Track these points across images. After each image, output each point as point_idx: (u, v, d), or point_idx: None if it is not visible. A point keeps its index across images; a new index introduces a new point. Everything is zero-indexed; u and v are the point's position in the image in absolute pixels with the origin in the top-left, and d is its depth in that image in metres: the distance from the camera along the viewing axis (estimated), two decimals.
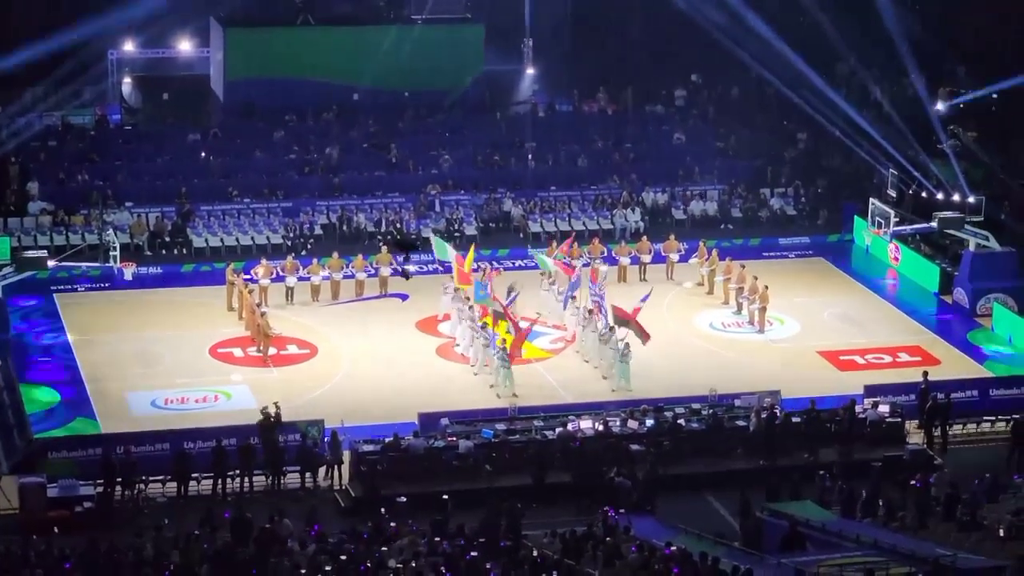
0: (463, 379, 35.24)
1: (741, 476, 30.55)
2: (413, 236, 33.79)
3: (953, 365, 36.25)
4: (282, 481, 30.70)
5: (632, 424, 31.68)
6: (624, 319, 35.09)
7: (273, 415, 30.83)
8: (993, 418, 32.81)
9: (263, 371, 35.54)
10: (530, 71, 51.16)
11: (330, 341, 37.34)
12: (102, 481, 29.39)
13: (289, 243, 43.58)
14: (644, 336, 34.98)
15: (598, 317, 36.31)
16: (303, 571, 23.42)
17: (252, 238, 43.56)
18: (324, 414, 31.77)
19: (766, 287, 38.50)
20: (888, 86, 49.92)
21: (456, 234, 44.29)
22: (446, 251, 38.67)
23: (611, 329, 35.72)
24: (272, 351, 36.28)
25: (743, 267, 39.99)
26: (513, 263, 42.87)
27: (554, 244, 41.46)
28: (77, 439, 30.89)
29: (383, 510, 27.81)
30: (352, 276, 40.18)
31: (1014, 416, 32.09)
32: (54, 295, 39.30)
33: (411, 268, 33.10)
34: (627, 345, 34.75)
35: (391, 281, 40.44)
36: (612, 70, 52.09)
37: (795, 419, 32.02)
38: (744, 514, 27.65)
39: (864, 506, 27.97)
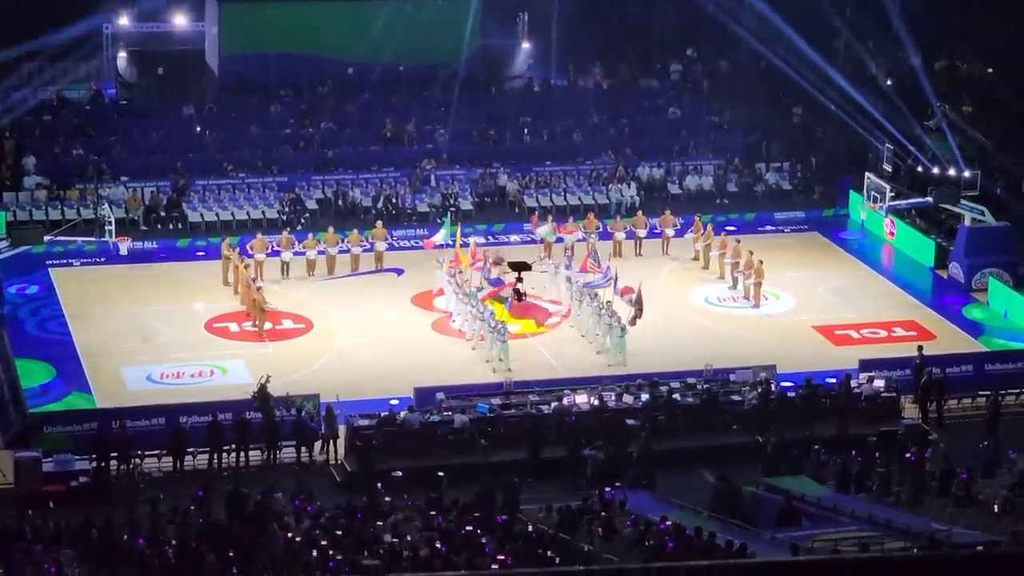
0: (459, 353, 35.12)
1: (737, 451, 30.49)
2: (528, 261, 34.45)
3: (948, 340, 36.13)
4: (277, 456, 30.52)
5: (627, 399, 31.55)
6: (639, 299, 35.26)
7: (260, 385, 30.66)
8: (988, 393, 32.35)
9: (258, 346, 35.37)
10: (525, 45, 50.80)
11: (325, 316, 37.24)
12: (97, 456, 29.08)
13: (284, 218, 43.36)
14: (636, 315, 35.10)
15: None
16: (297, 539, 23.23)
17: (247, 213, 43.07)
18: (319, 388, 31.55)
19: (761, 262, 38.36)
20: (884, 60, 49.60)
21: (451, 208, 44.10)
22: (449, 237, 38.91)
23: (608, 303, 35.62)
24: (267, 326, 36.14)
25: (738, 242, 39.94)
26: (508, 238, 42.75)
27: (536, 217, 41.66)
28: (72, 414, 30.73)
29: (379, 485, 27.59)
30: (347, 251, 40.00)
31: (999, 393, 32.04)
32: (49, 269, 39.09)
33: (522, 288, 33.30)
34: (620, 319, 34.72)
35: (386, 256, 40.34)
36: (607, 44, 51.76)
37: (790, 394, 31.79)
38: (721, 482, 27.49)
39: (859, 481, 27.71)
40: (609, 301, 35.58)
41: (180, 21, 49.56)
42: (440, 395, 31.52)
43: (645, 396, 31.51)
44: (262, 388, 30.82)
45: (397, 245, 41.46)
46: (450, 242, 38.97)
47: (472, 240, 39.26)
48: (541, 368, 34.23)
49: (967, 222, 40.19)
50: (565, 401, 31.27)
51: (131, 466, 29.47)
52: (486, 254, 37.71)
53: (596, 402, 31.32)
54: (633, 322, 35.27)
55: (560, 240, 40.40)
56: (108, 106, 46.99)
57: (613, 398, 31.49)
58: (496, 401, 31.37)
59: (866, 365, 33.10)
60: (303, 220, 43.47)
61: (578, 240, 39.72)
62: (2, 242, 36.49)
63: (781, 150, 48.59)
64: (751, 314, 38.00)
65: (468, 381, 32.82)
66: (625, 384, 31.98)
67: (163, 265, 40.22)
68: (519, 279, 33.17)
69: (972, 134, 44.95)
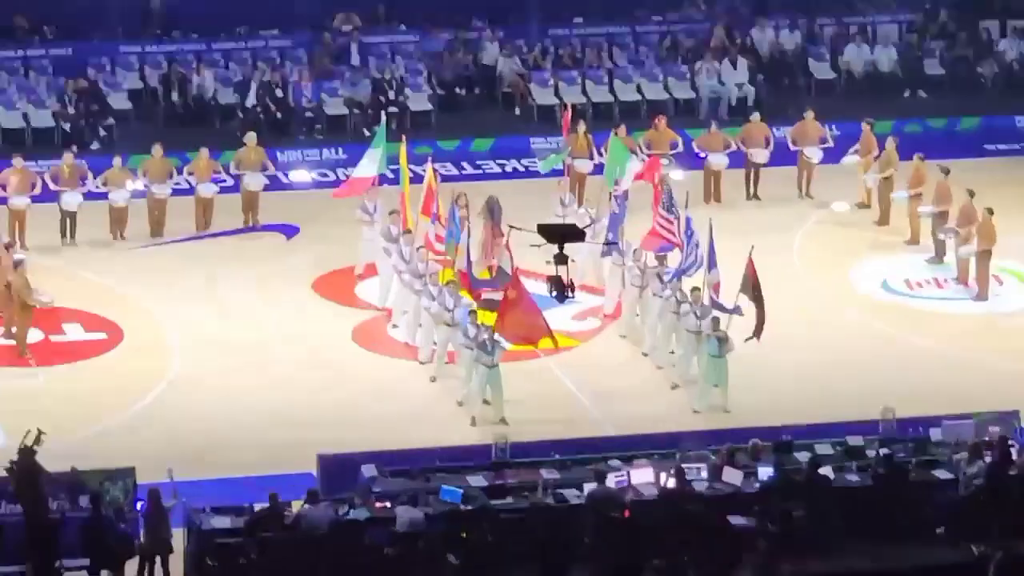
0: (406, 388, 35.62)
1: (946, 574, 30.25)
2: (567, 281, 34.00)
3: None
4: None
5: (731, 477, 31.41)
6: (754, 285, 35.34)
7: (22, 450, 30.56)
8: None
9: (21, 374, 35.79)
10: None
11: (146, 316, 37.87)
12: None
13: (67, 127, 43.85)
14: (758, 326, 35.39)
15: (663, 267, 36.69)
16: None
17: None
18: (135, 458, 31.28)
19: (990, 213, 38.79)
20: None
21: (389, 111, 44.26)
22: (385, 166, 39.31)
23: (694, 293, 35.58)
24: (35, 336, 36.43)
25: (946, 173, 40.63)
26: (503, 166, 43.68)
27: (569, 118, 41.56)
28: None
29: None
30: (191, 191, 40.83)
31: None
32: None
33: (568, 275, 32.75)
34: (716, 320, 35.12)
35: (265, 201, 41.07)
36: None
37: None
38: None
39: None
40: (696, 289, 35.56)
41: None
42: (369, 469, 31.35)
43: (767, 470, 31.29)
44: (25, 454, 30.66)
45: (286, 181, 42.45)
46: (388, 173, 39.71)
47: (428, 169, 38.87)
48: (563, 416, 34.53)
49: None
50: (611, 481, 30.93)
51: None
52: (458, 198, 37.99)
53: (671, 482, 31.00)
54: (757, 332, 35.37)
55: (598, 170, 40.70)
56: None
57: (703, 475, 31.38)
58: (478, 479, 31.20)
59: None
60: (103, 131, 44.04)
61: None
62: None
63: None
64: (971, 311, 38.70)
65: (424, 441, 32.75)
66: (729, 447, 31.75)
67: None
68: (562, 257, 32.50)
69: None
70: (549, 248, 32.33)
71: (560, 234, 32.66)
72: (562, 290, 32.66)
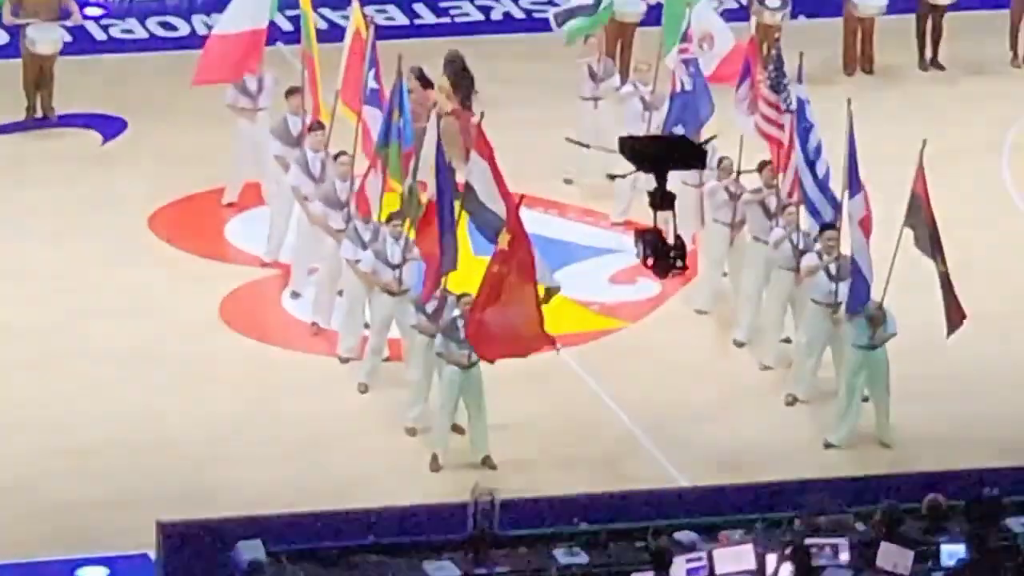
0: (315, 403, 34.77)
1: None
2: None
3: None
4: None
5: (894, 561, 30.14)
6: (924, 208, 34.45)
7: None
8: None
9: None
10: None
11: None
12: None
13: None
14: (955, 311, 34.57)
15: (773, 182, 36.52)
16: None
17: None
18: None
19: None
20: None
21: None
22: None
23: (825, 235, 34.21)
24: None
25: None
26: (486, 12, 45.16)
27: None
28: None
29: None
30: None
31: None
32: None
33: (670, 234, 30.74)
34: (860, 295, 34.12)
35: (65, 69, 41.27)
36: None
37: None
38: None
39: None
40: (830, 228, 34.85)
41: None
42: (250, 548, 29.71)
43: (955, 551, 30.03)
44: None
45: (101, 39, 43.36)
46: (281, 23, 41.09)
47: (355, 15, 37.92)
48: (593, 454, 33.85)
49: None
50: (680, 569, 29.78)
51: None
52: (410, 73, 37.38)
53: (787, 571, 29.79)
54: (952, 312, 33.93)
55: (654, 19, 40.64)
56: None
57: (843, 558, 30.35)
58: (445, 567, 30.05)
59: None
60: None
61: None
62: None
63: None
64: None
65: (348, 498, 31.84)
66: (886, 509, 30.27)
67: None
68: (665, 196, 28.44)
69: None
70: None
71: (661, 154, 29.74)
72: (665, 255, 29.94)
